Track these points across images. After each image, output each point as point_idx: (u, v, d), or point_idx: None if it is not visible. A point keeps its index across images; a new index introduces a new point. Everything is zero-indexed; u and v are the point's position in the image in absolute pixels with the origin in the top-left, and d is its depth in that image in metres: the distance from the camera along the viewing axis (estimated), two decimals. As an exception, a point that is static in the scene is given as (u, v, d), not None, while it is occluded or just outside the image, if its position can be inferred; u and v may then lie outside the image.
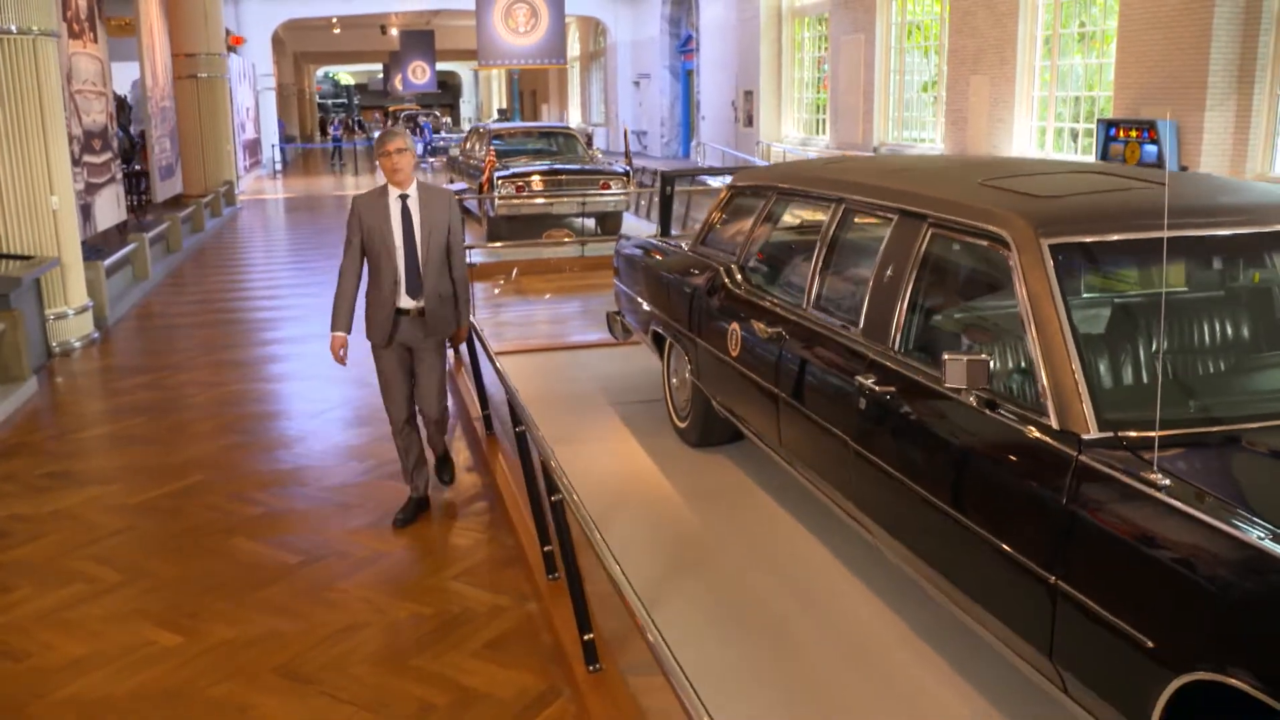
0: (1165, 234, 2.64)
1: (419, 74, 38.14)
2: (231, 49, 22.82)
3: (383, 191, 4.69)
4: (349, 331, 4.83)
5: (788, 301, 4.36)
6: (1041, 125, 14.73)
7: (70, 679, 3.74)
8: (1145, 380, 2.90)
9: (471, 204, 14.86)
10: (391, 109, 53.25)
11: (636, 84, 32.01)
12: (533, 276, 11.80)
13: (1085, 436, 2.60)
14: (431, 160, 27.97)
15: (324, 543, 4.86)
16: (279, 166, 30.03)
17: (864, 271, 3.90)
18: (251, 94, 26.77)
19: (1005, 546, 2.71)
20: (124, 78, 17.82)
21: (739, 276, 4.87)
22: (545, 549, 4.16)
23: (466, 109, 64.03)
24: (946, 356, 2.85)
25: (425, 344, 4.83)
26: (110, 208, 11.82)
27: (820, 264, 4.17)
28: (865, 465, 3.48)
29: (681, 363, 5.59)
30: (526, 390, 6.89)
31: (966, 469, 2.96)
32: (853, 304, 3.86)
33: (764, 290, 4.66)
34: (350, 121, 46.03)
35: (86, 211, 10.56)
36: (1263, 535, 2.11)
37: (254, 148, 27.35)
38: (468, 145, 17.17)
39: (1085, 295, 3.15)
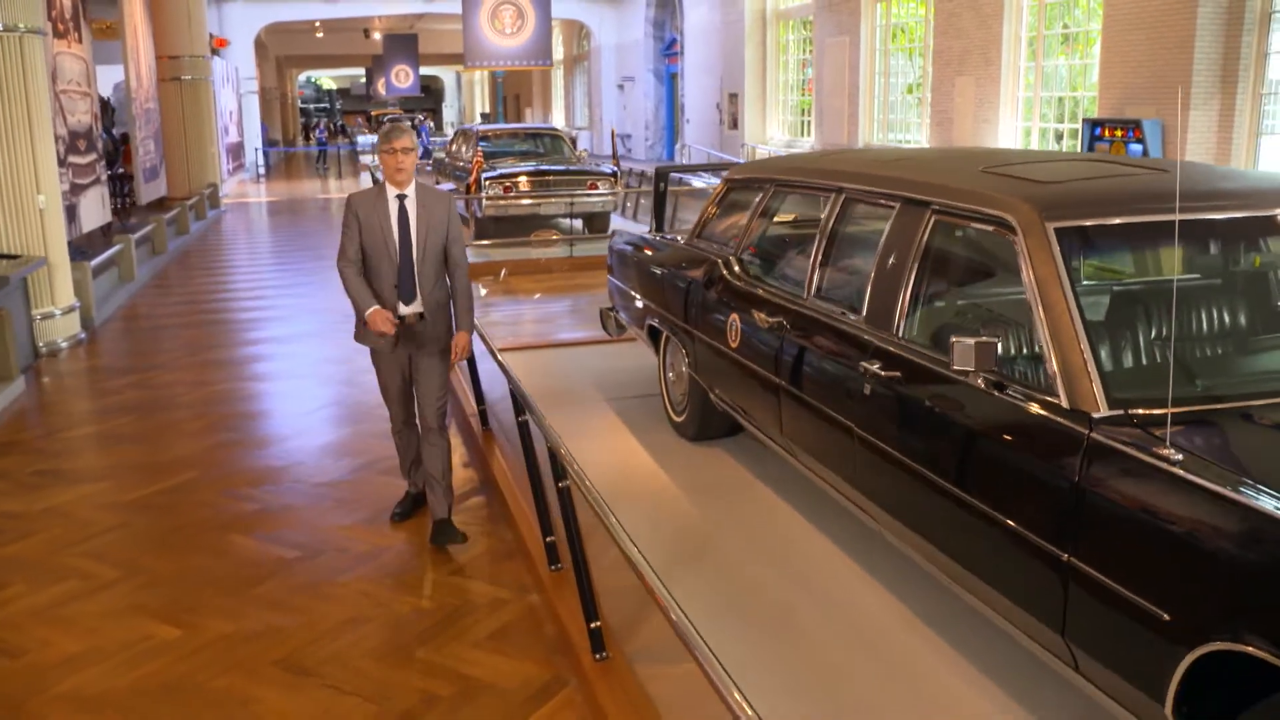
0: (1177, 216, 2.65)
1: (402, 78, 38.05)
2: (215, 51, 22.71)
3: (380, 191, 4.47)
4: (381, 304, 4.47)
5: (788, 292, 4.36)
6: (1026, 125, 14.82)
7: (68, 674, 3.70)
8: (1151, 360, 2.92)
9: (459, 205, 14.84)
10: (374, 113, 53.14)
11: (621, 87, 32.02)
12: (521, 276, 11.79)
13: (1096, 415, 2.62)
14: (425, 162, 27.93)
15: (321, 538, 4.83)
16: (262, 170, 29.89)
17: (866, 260, 3.90)
18: (234, 97, 26.65)
19: (1016, 526, 2.72)
20: (106, 81, 17.71)
21: (737, 268, 4.87)
22: (548, 540, 4.14)
23: (449, 113, 63.95)
24: (954, 339, 2.86)
25: (423, 351, 4.58)
26: (95, 209, 11.74)
27: (821, 253, 4.17)
28: (870, 451, 3.48)
29: (678, 356, 5.58)
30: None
31: (975, 451, 2.97)
32: (855, 292, 3.86)
33: (763, 281, 4.66)
34: (333, 126, 45.90)
35: (71, 213, 10.48)
36: (1277, 505, 2.12)
37: (237, 151, 27.23)
38: (454, 147, 17.15)
39: (1090, 278, 3.16)
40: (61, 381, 7.92)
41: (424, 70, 44.22)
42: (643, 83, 30.16)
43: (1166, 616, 2.23)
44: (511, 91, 46.43)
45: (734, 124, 24.35)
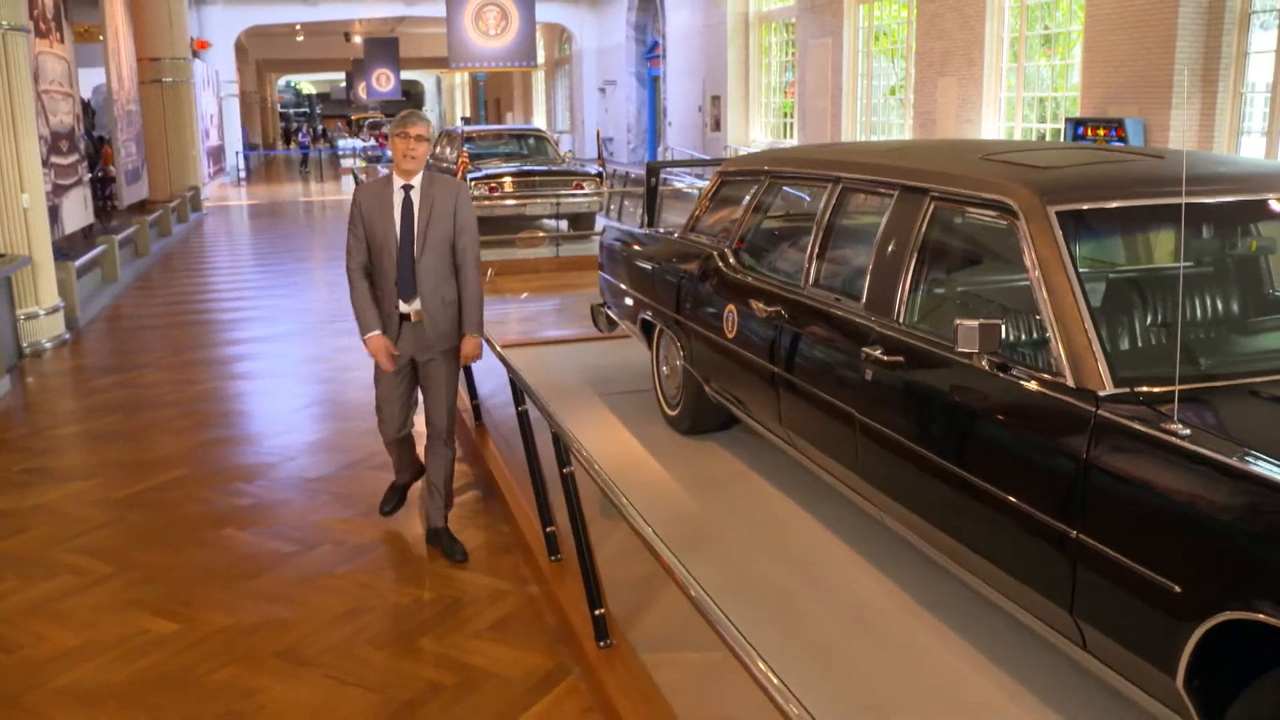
0: (1184, 200, 2.68)
1: (383, 81, 37.92)
2: (195, 54, 22.59)
3: (387, 181, 4.21)
4: (383, 330, 4.26)
5: (786, 281, 4.37)
6: (1009, 126, 14.91)
7: (65, 668, 3.67)
8: (1153, 341, 2.95)
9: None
10: (355, 117, 52.98)
11: (602, 91, 32.03)
12: (508, 276, 11.77)
13: (1102, 393, 2.64)
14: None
15: (316, 532, 4.80)
16: (243, 174, 29.75)
17: (864, 248, 3.92)
18: (215, 101, 26.52)
19: (1022, 504, 2.73)
20: (85, 84, 17.60)
21: (733, 260, 4.88)
22: (548, 530, 4.13)
23: (429, 117, 63.71)
24: (959, 321, 2.88)
25: (429, 355, 4.27)
26: (77, 210, 11.65)
27: (819, 243, 4.19)
28: (872, 437, 3.49)
29: (672, 350, 5.58)
30: (508, 389, 6.88)
31: (980, 432, 2.99)
32: (854, 280, 3.88)
33: (760, 272, 4.68)
34: (314, 131, 45.75)
35: (54, 214, 10.38)
36: (1285, 474, 2.15)
37: (218, 155, 27.08)
38: (439, 148, 17.12)
39: (1090, 260, 3.19)
40: (46, 381, 7.85)
41: (404, 74, 44.12)
42: (624, 86, 30.18)
43: (1178, 588, 2.26)
44: (492, 95, 46.37)
45: (716, 126, 24.40)
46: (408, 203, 4.17)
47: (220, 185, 27.01)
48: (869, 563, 4.01)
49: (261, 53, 40.65)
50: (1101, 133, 11.69)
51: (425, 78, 60.14)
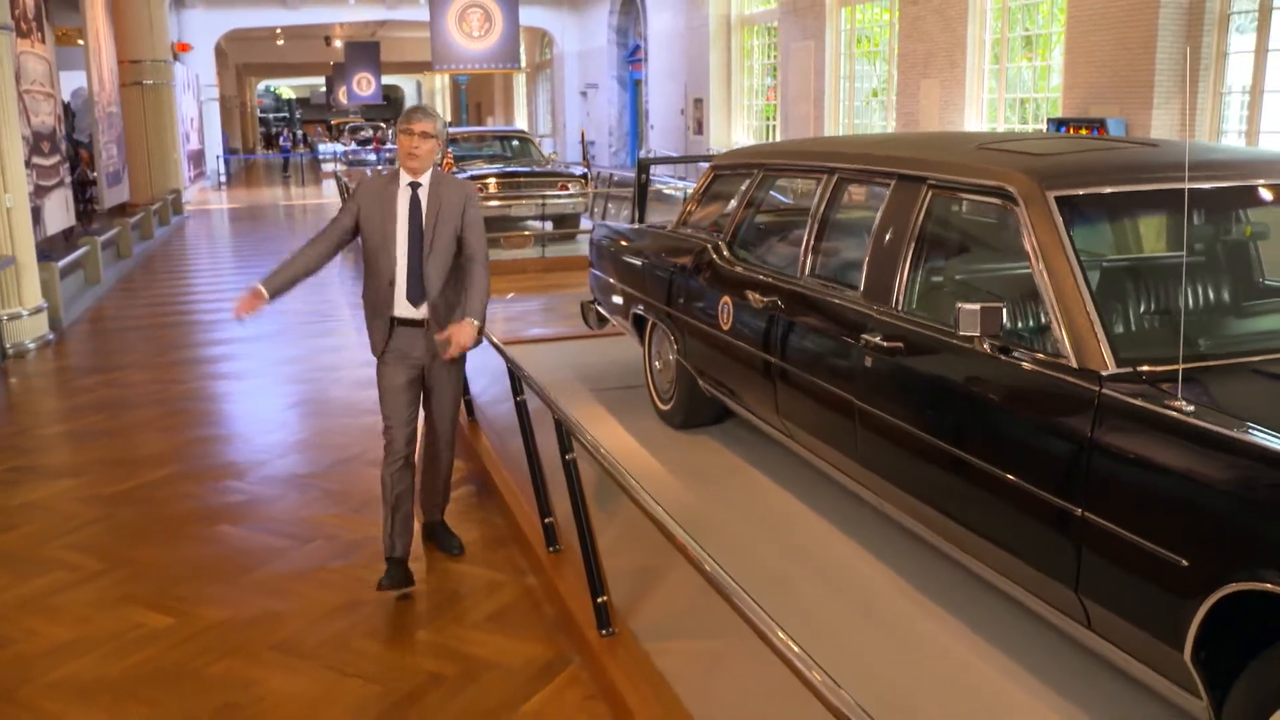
0: (1186, 185, 2.71)
1: (364, 86, 37.83)
2: (177, 56, 22.47)
3: (393, 178, 3.99)
4: (268, 294, 3.97)
5: (782, 272, 4.38)
6: (992, 127, 15.00)
7: (59, 663, 3.64)
8: (1153, 322, 2.98)
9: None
10: (335, 122, 52.79)
11: (584, 94, 32.03)
12: (494, 277, 11.70)
13: (1104, 373, 2.66)
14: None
15: (310, 527, 4.78)
16: (223, 178, 29.60)
17: (861, 238, 3.93)
18: (195, 104, 26.37)
19: (1026, 485, 2.75)
20: (64, 87, 17.48)
21: (727, 253, 4.89)
22: (546, 521, 4.12)
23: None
24: (960, 305, 2.89)
25: (437, 360, 4.03)
26: (59, 211, 11.56)
27: (815, 233, 4.20)
28: (872, 423, 3.50)
29: (665, 344, 5.59)
30: (499, 385, 6.87)
31: (982, 414, 3.01)
32: (851, 269, 3.89)
33: (756, 264, 4.69)
34: (294, 135, 45.60)
35: (36, 215, 10.30)
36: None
37: (198, 159, 26.93)
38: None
39: (1087, 245, 3.21)
40: (30, 381, 7.79)
41: (385, 79, 44.05)
42: (606, 89, 30.19)
43: (1185, 562, 2.27)
44: (473, 100, 46.28)
45: (699, 129, 24.44)
46: (415, 201, 3.95)
47: (201, 189, 26.86)
48: (867, 551, 4.02)
49: (241, 57, 40.47)
50: (1084, 132, 11.78)
51: (406, 82, 60.02)
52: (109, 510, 5.02)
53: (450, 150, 14.98)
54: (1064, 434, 2.67)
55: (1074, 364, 2.74)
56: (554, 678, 3.46)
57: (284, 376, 7.72)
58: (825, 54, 19.16)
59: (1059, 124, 12.21)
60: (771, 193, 4.99)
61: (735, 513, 4.50)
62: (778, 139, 21.60)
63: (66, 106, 17.06)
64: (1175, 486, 2.35)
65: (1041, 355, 2.86)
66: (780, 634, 1.91)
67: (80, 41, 16.38)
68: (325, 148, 42.60)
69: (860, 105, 18.99)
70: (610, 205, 17.24)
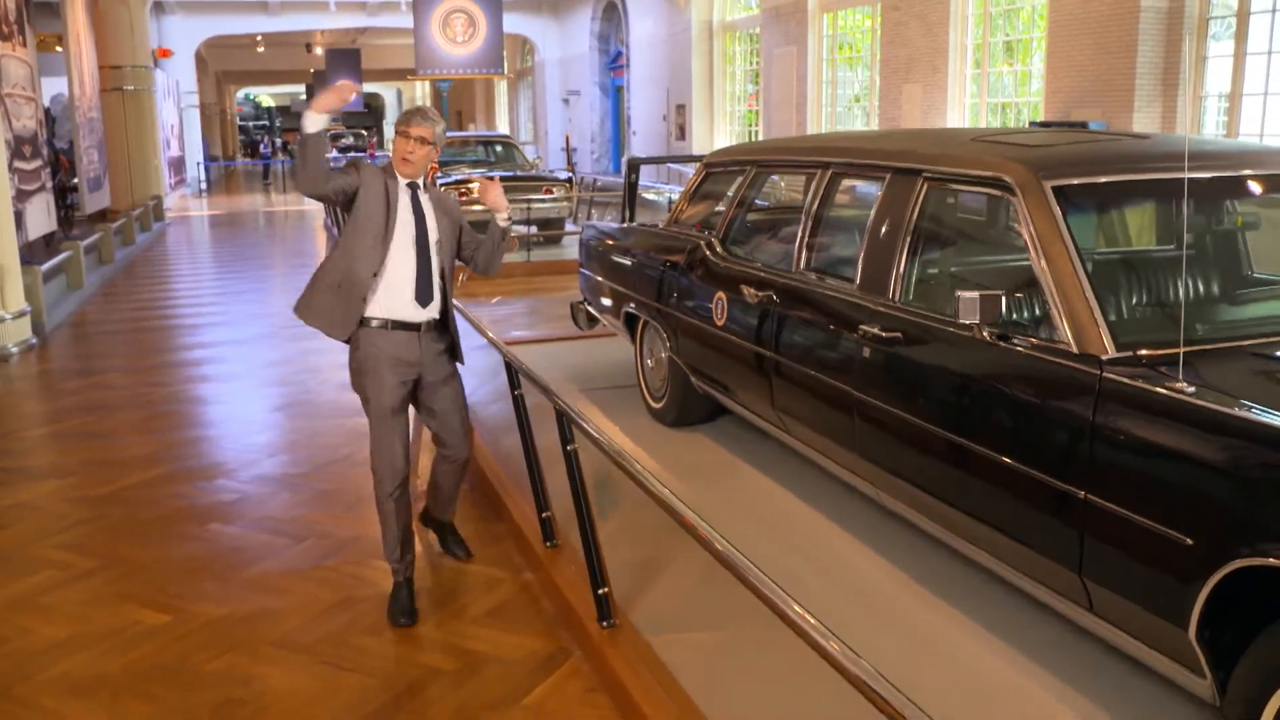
0: (1186, 175, 2.76)
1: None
2: (157, 63, 22.36)
3: (390, 174, 3.81)
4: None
5: (776, 267, 4.40)
6: (973, 131, 15.10)
7: (56, 660, 3.61)
8: (1151, 308, 3.02)
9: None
10: (315, 129, 52.47)
11: (566, 101, 32.06)
12: (479, 281, 11.74)
13: (1104, 358, 2.69)
14: None
15: (303, 525, 4.76)
16: (204, 185, 29.47)
17: (856, 232, 3.96)
18: (176, 111, 26.24)
19: (1029, 470, 2.77)
20: (44, 93, 17.38)
21: (720, 249, 4.91)
22: (543, 516, 4.12)
23: (390, 130, 63.47)
24: (959, 293, 2.92)
25: (436, 367, 3.93)
26: (41, 216, 11.48)
27: (809, 228, 4.22)
28: (871, 414, 3.52)
29: (657, 342, 5.60)
30: (489, 385, 6.86)
31: (983, 401, 3.03)
32: (847, 263, 3.92)
33: (750, 259, 4.70)
34: (274, 143, 45.47)
35: (18, 219, 10.23)
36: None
37: (179, 165, 26.78)
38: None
39: (1085, 233, 3.25)
40: (14, 385, 7.72)
41: (366, 86, 43.97)
42: (588, 96, 30.22)
43: (1189, 540, 2.30)
44: (454, 106, 46.21)
45: (681, 135, 24.50)
46: (416, 201, 3.84)
47: (182, 196, 26.70)
48: (865, 544, 4.03)
49: (221, 64, 40.32)
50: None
51: (386, 90, 59.91)
52: (99, 510, 4.98)
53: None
54: (1065, 418, 2.69)
55: (1074, 349, 2.77)
56: (555, 670, 3.46)
57: (269, 379, 7.70)
58: (808, 59, 19.25)
59: (1042, 126, 12.32)
60: (765, 189, 5.01)
61: (731, 509, 4.51)
62: (760, 144, 21.64)
63: (47, 112, 16.96)
64: (1178, 466, 2.38)
65: (1041, 341, 2.89)
66: (796, 607, 1.92)
67: (58, 49, 16.29)
68: (306, 155, 42.35)
69: (843, 111, 19.09)
70: (594, 211, 17.26)
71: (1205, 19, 11.29)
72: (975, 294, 2.89)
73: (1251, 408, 2.33)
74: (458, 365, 4.09)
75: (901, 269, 3.55)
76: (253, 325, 9.90)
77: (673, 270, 5.24)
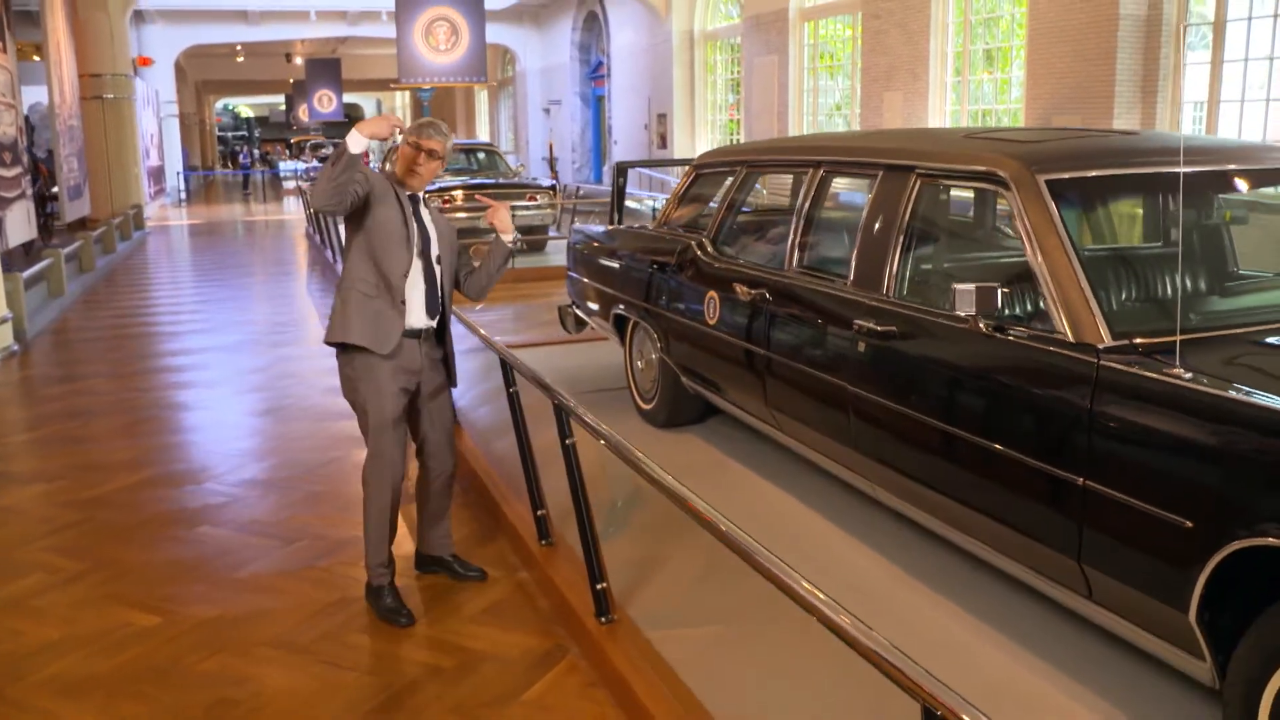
0: (1182, 169, 2.79)
1: (325, 102, 37.67)
2: (137, 71, 22.25)
3: (394, 182, 3.76)
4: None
5: (769, 265, 4.42)
6: (954, 139, 15.21)
7: (47, 662, 3.58)
8: (1144, 298, 3.05)
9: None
10: (295, 140, 52.49)
11: (547, 111, 32.10)
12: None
13: (1101, 346, 2.72)
14: None
15: (294, 527, 4.74)
16: (183, 195, 29.32)
17: (849, 229, 3.98)
18: (155, 120, 26.12)
19: (1027, 459, 2.79)
20: (24, 102, 17.28)
21: (711, 249, 4.92)
22: (538, 514, 4.12)
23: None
24: (955, 285, 2.94)
25: (433, 375, 3.91)
26: (21, 223, 11.41)
27: (801, 225, 4.24)
28: (867, 408, 3.54)
29: (647, 343, 5.61)
30: (478, 388, 6.86)
31: (980, 392, 3.05)
32: (840, 259, 3.94)
33: (741, 258, 4.72)
34: (253, 153, 45.34)
35: (-2, 225, 10.18)
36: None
37: (158, 175, 26.65)
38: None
39: (1078, 225, 3.28)
40: (-3, 392, 7.66)
41: (346, 97, 43.89)
42: (569, 106, 30.27)
43: (1189, 523, 2.32)
44: (434, 116, 46.24)
45: (663, 143, 24.56)
46: (418, 214, 3.80)
47: (161, 206, 26.56)
48: (860, 540, 4.04)
49: (200, 74, 40.17)
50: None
51: (365, 100, 59.82)
52: (86, 514, 4.94)
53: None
54: (1063, 406, 2.72)
55: (1071, 339, 2.79)
56: (553, 667, 3.46)
57: (252, 385, 7.67)
58: (789, 68, 19.35)
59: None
60: (756, 188, 5.03)
61: (724, 508, 4.41)
62: (742, 153, 21.71)
63: (26, 120, 16.86)
64: (1177, 450, 2.41)
65: (1037, 332, 2.92)
66: (805, 583, 1.93)
67: (36, 57, 16.22)
68: (286, 165, 42.39)
69: (824, 119, 19.20)
70: (576, 219, 17.29)
71: (1183, 27, 11.43)
72: (971, 286, 2.91)
73: (1248, 391, 2.36)
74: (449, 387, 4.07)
75: (895, 265, 3.57)
76: (234, 332, 9.87)
77: (663, 271, 5.25)
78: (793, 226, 4.29)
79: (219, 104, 58.20)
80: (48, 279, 10.99)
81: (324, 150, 42.95)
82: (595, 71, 28.98)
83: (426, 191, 11.61)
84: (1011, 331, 2.99)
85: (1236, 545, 2.21)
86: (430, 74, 21.45)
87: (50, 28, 14.90)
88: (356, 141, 3.49)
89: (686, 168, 5.70)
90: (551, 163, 15.49)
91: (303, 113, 40.70)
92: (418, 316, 3.79)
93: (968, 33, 14.79)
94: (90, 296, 12.02)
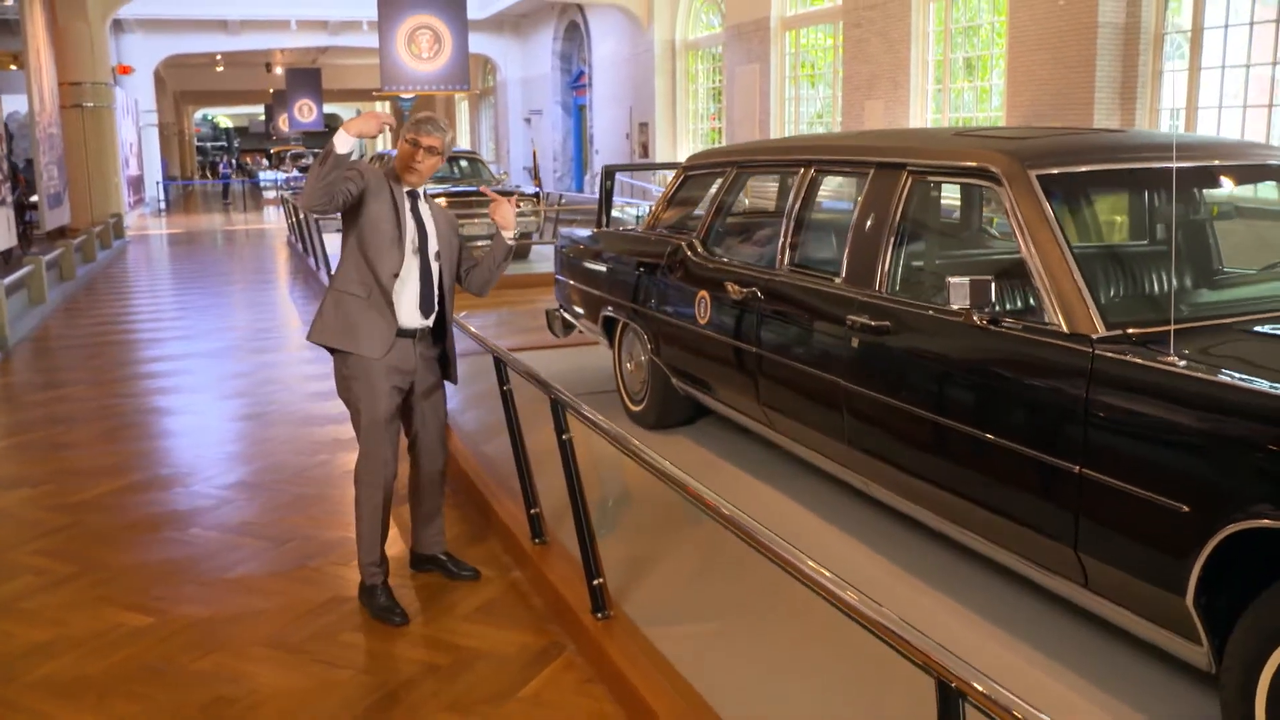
0: (1174, 164, 2.83)
1: (305, 112, 37.58)
2: (117, 80, 22.15)
3: (393, 179, 3.71)
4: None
5: (760, 264, 4.45)
6: (935, 146, 15.30)
7: (39, 663, 3.55)
8: (1136, 290, 3.09)
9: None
10: (275, 150, 52.29)
11: (528, 120, 32.13)
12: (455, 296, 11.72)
13: (1095, 336, 2.75)
14: None
15: (285, 528, 4.72)
16: (163, 204, 29.16)
17: (840, 227, 4.01)
18: (135, 130, 25.98)
19: (1023, 449, 2.82)
20: (3, 111, 17.18)
21: (702, 249, 4.94)
22: (532, 512, 4.12)
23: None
24: (950, 279, 2.97)
25: (428, 374, 3.91)
26: (1, 231, 11.31)
27: (792, 224, 4.27)
28: (861, 403, 3.56)
29: (637, 345, 5.62)
30: (466, 391, 6.85)
31: (975, 384, 3.08)
32: (832, 257, 3.97)
33: (731, 258, 4.74)
34: (232, 164, 45.20)
35: (-22, 232, 10.10)
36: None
37: (138, 184, 26.50)
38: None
39: (1069, 219, 3.32)
40: (-21, 399, 7.59)
41: (326, 107, 43.79)
42: (550, 115, 30.31)
43: (1185, 508, 2.35)
44: (416, 127, 46.13)
45: (645, 152, 24.62)
46: (416, 211, 3.76)
47: (141, 215, 26.40)
48: (854, 538, 4.06)
49: (180, 84, 39.99)
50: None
51: (346, 110, 59.69)
52: (74, 517, 4.91)
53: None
54: (1058, 396, 2.75)
55: (1065, 330, 2.83)
56: (549, 664, 3.45)
57: (235, 390, 7.63)
58: (770, 77, 19.45)
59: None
60: (746, 189, 5.06)
61: (717, 505, 4.52)
62: (724, 161, 21.79)
63: (5, 127, 16.75)
64: (1172, 436, 2.44)
65: (1032, 323, 2.95)
66: (810, 563, 1.94)
67: (13, 66, 16.11)
68: (267, 175, 42.25)
69: (805, 128, 19.29)
70: (559, 226, 17.30)
71: (1161, 35, 11.57)
72: (965, 279, 2.94)
73: (1241, 377, 2.40)
74: (447, 385, 4.07)
75: (888, 261, 3.60)
76: (216, 339, 9.82)
77: (653, 272, 5.27)
78: (784, 225, 4.32)
79: (198, 114, 57.97)
80: (29, 286, 10.92)
81: (304, 160, 42.80)
82: (576, 81, 29.04)
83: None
84: (1005, 324, 3.02)
85: (1233, 528, 2.24)
86: (413, 82, 21.44)
87: (30, 35, 14.82)
88: (344, 141, 3.46)
89: (676, 169, 5.72)
90: (535, 171, 15.49)
91: (283, 123, 40.60)
92: (410, 316, 3.77)
93: (948, 41, 14.92)
94: (71, 304, 11.94)
